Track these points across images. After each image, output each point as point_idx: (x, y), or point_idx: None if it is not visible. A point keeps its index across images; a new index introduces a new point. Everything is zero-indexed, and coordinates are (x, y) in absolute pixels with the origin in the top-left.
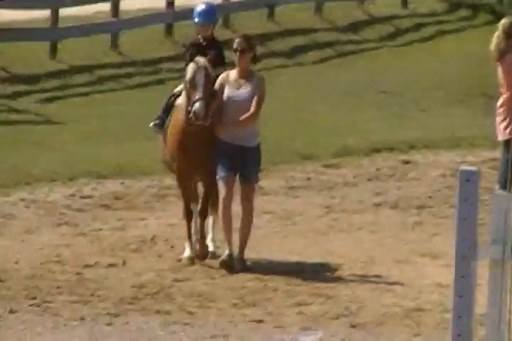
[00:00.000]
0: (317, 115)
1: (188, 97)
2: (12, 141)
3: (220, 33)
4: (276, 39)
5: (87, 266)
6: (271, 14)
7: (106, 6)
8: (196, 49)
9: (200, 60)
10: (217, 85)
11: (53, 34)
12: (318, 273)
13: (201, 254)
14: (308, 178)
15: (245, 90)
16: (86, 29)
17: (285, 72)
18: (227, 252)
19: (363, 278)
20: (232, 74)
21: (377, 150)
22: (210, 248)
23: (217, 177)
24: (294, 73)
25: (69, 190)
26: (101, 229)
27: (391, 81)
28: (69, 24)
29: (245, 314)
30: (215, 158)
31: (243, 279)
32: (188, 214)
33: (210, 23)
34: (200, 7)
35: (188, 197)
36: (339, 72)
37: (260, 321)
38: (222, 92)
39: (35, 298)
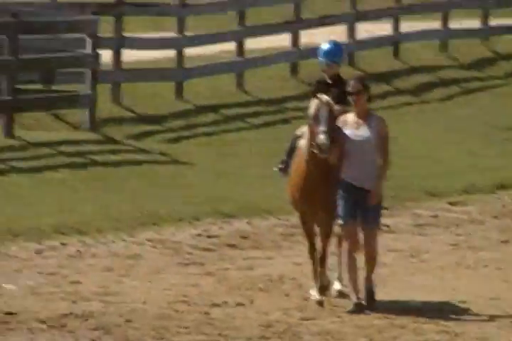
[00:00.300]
0: (443, 152)
1: (311, 132)
2: (138, 181)
3: (345, 71)
4: (401, 77)
5: (215, 305)
6: (396, 52)
7: (230, 46)
8: (322, 87)
9: (324, 96)
10: (342, 132)
11: (179, 74)
12: (445, 310)
13: (321, 286)
14: (435, 216)
15: (364, 130)
16: (211, 69)
17: (411, 110)
18: (354, 301)
19: (490, 315)
20: (350, 116)
21: (503, 187)
22: (337, 286)
23: (340, 221)
24: (420, 111)
25: (195, 229)
26: (228, 269)
27: None
28: (194, 64)
29: None
30: (336, 199)
31: (370, 317)
32: (313, 253)
33: (335, 62)
34: (326, 46)
35: (312, 236)
36: (464, 110)
37: None
38: (343, 134)
39: (162, 339)
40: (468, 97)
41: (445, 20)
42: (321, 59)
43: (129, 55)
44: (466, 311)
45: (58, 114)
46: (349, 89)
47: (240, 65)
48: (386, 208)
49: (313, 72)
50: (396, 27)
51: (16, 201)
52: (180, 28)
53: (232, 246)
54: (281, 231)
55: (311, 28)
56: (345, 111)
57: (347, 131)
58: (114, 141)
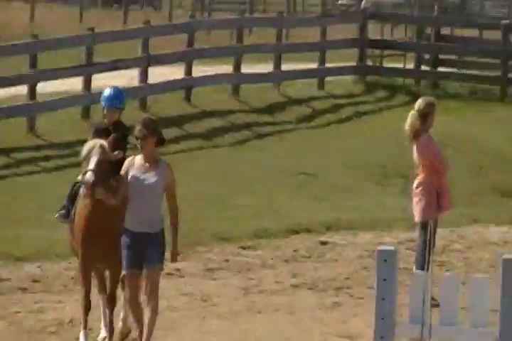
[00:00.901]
0: (234, 197)
1: (83, 173)
2: None
3: (138, 116)
4: (193, 121)
5: None
6: (188, 96)
7: (23, 89)
8: (100, 134)
9: (99, 140)
10: (123, 172)
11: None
12: None
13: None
14: (226, 260)
15: (151, 174)
16: (3, 112)
17: (202, 154)
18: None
19: None
20: (138, 159)
21: (295, 232)
22: (102, 334)
23: (123, 271)
24: (211, 155)
25: None
26: (19, 312)
27: (309, 162)
28: None
29: None
30: (119, 246)
31: None
32: (87, 301)
33: (117, 108)
34: (108, 91)
35: (89, 284)
36: (256, 154)
37: None
38: (127, 177)
39: None
40: (261, 142)
41: (237, 65)
42: (103, 104)
43: None
44: None
45: None
46: (136, 133)
47: (32, 109)
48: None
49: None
50: (188, 71)
51: None
52: None
53: (23, 289)
54: (71, 275)
55: (104, 72)
56: (124, 157)
57: (133, 175)
58: None
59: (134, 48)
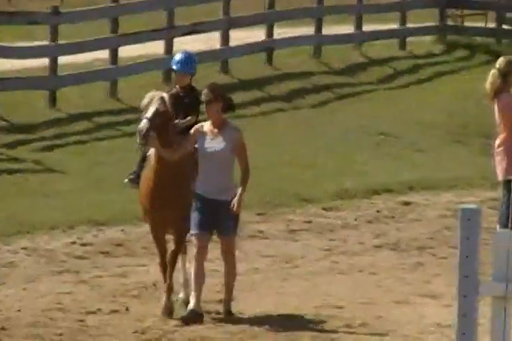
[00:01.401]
0: (315, 158)
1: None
2: (11, 189)
3: (219, 78)
4: (272, 83)
5: (89, 312)
6: (269, 58)
7: (104, 54)
8: (173, 100)
9: (161, 92)
10: (192, 135)
11: (51, 82)
12: (318, 315)
13: (166, 310)
14: (308, 221)
15: (218, 141)
16: (84, 77)
17: (283, 116)
18: (191, 307)
19: (364, 321)
20: (206, 125)
21: (377, 192)
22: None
23: (191, 233)
24: (292, 117)
25: (69, 237)
26: (102, 276)
27: (388, 123)
28: (66, 72)
29: None
30: (188, 211)
31: (243, 323)
32: (165, 266)
33: (187, 72)
34: (179, 55)
35: (164, 249)
36: (336, 115)
37: None
38: (195, 140)
39: None
40: (341, 103)
41: (318, 26)
42: (174, 67)
43: (1, 64)
44: (340, 316)
45: None
46: (202, 97)
47: (113, 73)
48: (260, 214)
49: None
50: (269, 33)
51: None
52: (53, 36)
53: (105, 253)
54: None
55: (185, 35)
56: (196, 122)
57: (201, 142)
58: None
59: (214, 11)
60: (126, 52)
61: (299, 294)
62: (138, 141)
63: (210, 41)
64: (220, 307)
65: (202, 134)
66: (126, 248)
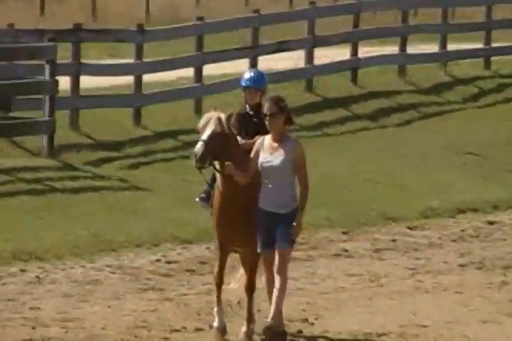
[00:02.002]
0: (401, 177)
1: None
2: (97, 207)
3: (304, 97)
4: (359, 102)
5: (174, 330)
6: (354, 77)
7: (189, 72)
8: (242, 118)
9: (218, 113)
10: (253, 151)
11: (137, 100)
12: (403, 334)
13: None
14: (394, 240)
15: (279, 154)
16: (169, 95)
17: (369, 135)
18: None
19: (449, 339)
20: (267, 139)
21: (462, 211)
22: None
23: (261, 252)
24: (378, 136)
25: (154, 255)
26: (187, 294)
27: (475, 142)
28: (152, 90)
29: None
30: (255, 232)
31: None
32: (220, 283)
33: (257, 88)
34: (248, 73)
35: (224, 263)
36: (422, 134)
37: None
38: (258, 157)
39: None
40: (427, 122)
41: (403, 45)
42: (243, 84)
43: (87, 81)
44: (426, 335)
45: (16, 140)
46: (264, 111)
47: (199, 91)
48: (345, 232)
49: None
50: (354, 52)
51: None
52: (138, 54)
53: (191, 271)
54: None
55: (270, 54)
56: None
57: (262, 156)
58: (73, 168)
59: (299, 29)
60: (210, 70)
61: (384, 313)
62: (194, 164)
63: (295, 60)
64: (304, 327)
65: (262, 149)
66: (212, 266)
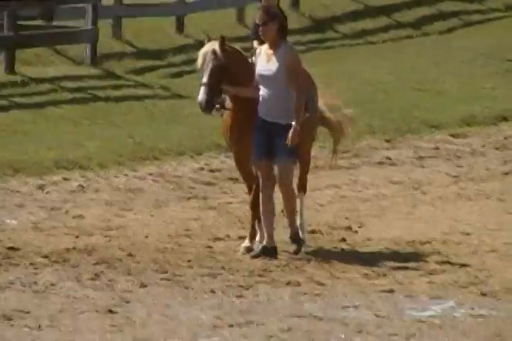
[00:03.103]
0: (444, 84)
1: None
2: (139, 115)
3: (346, 5)
4: (402, 10)
5: (217, 238)
6: None
7: None
8: (256, 27)
9: (213, 43)
10: (252, 62)
11: (179, 8)
12: (446, 241)
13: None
14: (436, 148)
15: (273, 62)
16: (211, 3)
17: (411, 43)
18: (263, 244)
19: (491, 246)
20: (264, 48)
21: (505, 119)
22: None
23: (251, 159)
24: (420, 43)
25: (197, 163)
26: (230, 202)
27: None
28: None
29: (375, 284)
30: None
31: (373, 249)
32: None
33: None
34: None
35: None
36: (464, 42)
37: (390, 291)
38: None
39: (165, 272)
40: (469, 30)
41: None
42: None
43: None
44: (467, 242)
45: (59, 49)
46: (257, 19)
47: (240, 0)
48: (387, 140)
49: (314, 6)
50: None
51: (17, 136)
52: None
53: (233, 179)
54: None
55: None
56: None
57: (258, 65)
58: (115, 76)
59: None
60: None
61: (426, 220)
62: (201, 111)
63: None
64: (348, 235)
65: (259, 57)
66: None
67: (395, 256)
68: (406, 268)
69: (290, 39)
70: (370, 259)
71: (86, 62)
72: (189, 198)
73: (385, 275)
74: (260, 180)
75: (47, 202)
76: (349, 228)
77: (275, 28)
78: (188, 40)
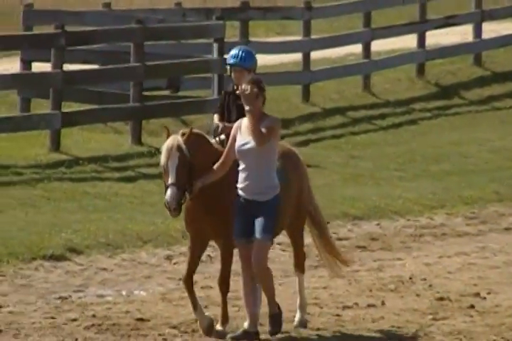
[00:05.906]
0: None
1: (164, 183)
2: None
3: (472, 71)
4: None
5: (346, 307)
6: None
7: (356, 48)
8: (229, 98)
9: (176, 138)
10: (230, 138)
11: (305, 77)
12: None
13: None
14: None
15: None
16: (337, 71)
17: None
18: (245, 327)
19: None
20: (244, 122)
21: None
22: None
23: (234, 239)
24: None
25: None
26: (358, 271)
27: None
28: (320, 67)
29: None
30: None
31: (501, 316)
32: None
33: (243, 67)
34: (234, 50)
35: (193, 260)
36: None
37: None
38: (235, 144)
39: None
40: None
41: None
42: (228, 62)
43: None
44: None
45: (185, 119)
46: (242, 91)
47: (367, 67)
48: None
49: (441, 73)
50: None
51: (145, 207)
52: (306, 31)
53: (362, 247)
54: (410, 232)
55: (437, 28)
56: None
57: (239, 139)
58: None
59: (466, 4)
60: (378, 46)
61: None
62: (168, 213)
63: (463, 34)
64: (476, 302)
65: (240, 131)
66: (382, 242)
67: None
68: None
69: (416, 106)
70: (498, 326)
71: (211, 132)
72: (317, 267)
73: None
74: (242, 263)
75: (175, 273)
76: (477, 294)
77: (262, 101)
78: (314, 109)
